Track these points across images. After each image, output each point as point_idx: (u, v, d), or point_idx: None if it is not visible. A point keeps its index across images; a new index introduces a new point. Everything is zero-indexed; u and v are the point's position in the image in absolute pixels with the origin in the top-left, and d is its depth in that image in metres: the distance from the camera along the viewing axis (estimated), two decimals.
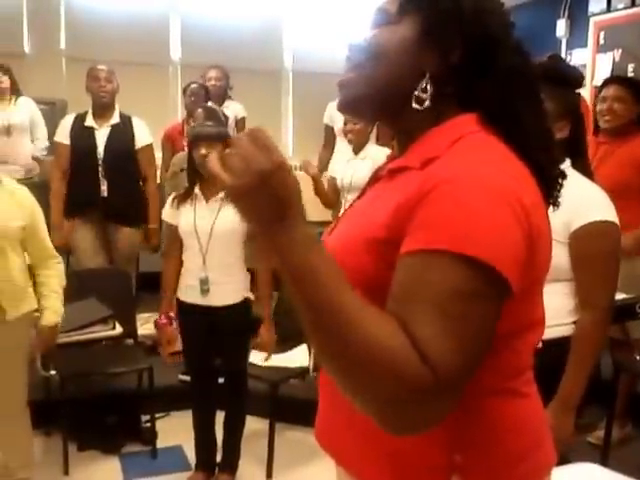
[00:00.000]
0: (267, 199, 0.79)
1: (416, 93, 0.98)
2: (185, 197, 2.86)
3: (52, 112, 4.74)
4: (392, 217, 0.90)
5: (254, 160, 0.77)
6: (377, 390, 0.78)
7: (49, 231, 2.77)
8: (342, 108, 1.07)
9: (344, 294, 0.79)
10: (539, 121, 1.01)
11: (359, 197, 1.12)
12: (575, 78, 2.03)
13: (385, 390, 0.77)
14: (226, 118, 4.02)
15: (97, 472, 3.12)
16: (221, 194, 2.76)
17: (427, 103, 0.97)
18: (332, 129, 4.64)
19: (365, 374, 0.78)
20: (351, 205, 1.12)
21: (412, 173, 0.93)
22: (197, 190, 2.83)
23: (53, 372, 3.20)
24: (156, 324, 3.03)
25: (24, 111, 4.43)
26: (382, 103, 1.01)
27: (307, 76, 6.14)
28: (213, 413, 3.02)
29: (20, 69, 4.71)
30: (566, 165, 1.85)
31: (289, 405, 3.29)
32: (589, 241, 1.86)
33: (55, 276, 2.70)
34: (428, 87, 0.97)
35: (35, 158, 4.41)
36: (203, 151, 2.74)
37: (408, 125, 1.01)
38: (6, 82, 4.37)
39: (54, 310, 2.67)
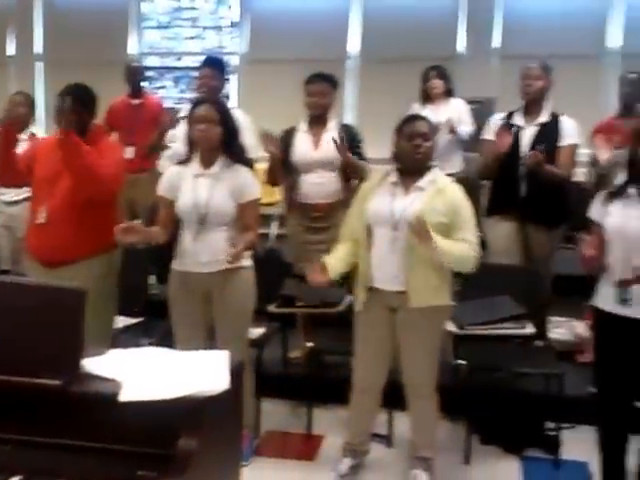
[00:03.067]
0: None
1: None
2: (615, 194, 2.60)
3: (480, 111, 4.86)
4: None
5: None
6: None
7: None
8: None
9: None
10: None
11: None
12: None
13: None
14: None
15: (497, 469, 3.12)
16: None
17: None
18: None
19: None
20: None
21: None
22: (632, 189, 2.54)
23: (462, 361, 3.29)
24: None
25: (453, 111, 4.62)
26: None
27: None
28: (623, 437, 2.71)
29: (453, 70, 4.93)
30: None
31: None
32: None
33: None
34: None
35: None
36: None
37: None
38: (440, 87, 4.63)
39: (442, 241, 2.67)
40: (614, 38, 5.57)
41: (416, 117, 2.92)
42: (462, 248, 2.72)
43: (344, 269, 2.88)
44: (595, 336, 2.79)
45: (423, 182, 2.78)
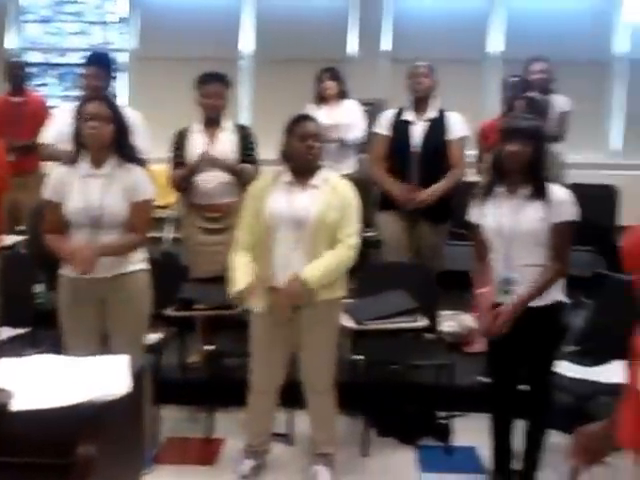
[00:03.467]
0: None
1: None
2: (486, 193, 2.78)
3: (371, 112, 4.98)
4: None
5: None
6: None
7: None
8: None
9: None
10: None
11: None
12: None
13: None
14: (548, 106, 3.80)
15: (394, 459, 3.21)
16: (526, 191, 2.65)
17: None
18: None
19: None
20: None
21: None
22: (501, 187, 2.73)
23: (360, 357, 3.37)
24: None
25: (348, 112, 4.72)
26: None
27: None
28: (510, 420, 2.88)
29: (345, 72, 5.03)
30: None
31: None
32: None
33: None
34: None
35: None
36: (512, 147, 2.62)
37: None
38: (334, 89, 4.71)
39: (313, 273, 2.72)
40: (496, 43, 5.87)
41: (306, 117, 2.95)
42: (333, 261, 2.77)
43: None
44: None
45: (317, 181, 2.83)
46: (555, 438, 2.92)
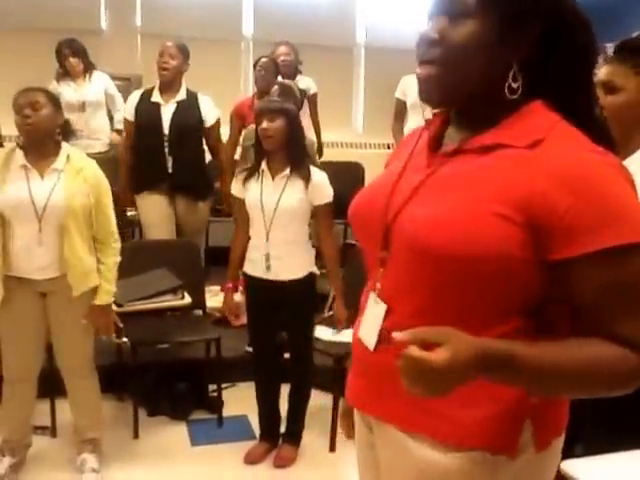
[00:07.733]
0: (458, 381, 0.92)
1: (509, 83, 1.04)
2: (252, 172, 2.88)
3: (128, 88, 4.84)
4: (520, 198, 0.97)
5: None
6: (615, 389, 0.99)
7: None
8: (431, 103, 1.10)
9: (562, 358, 0.96)
10: (594, 104, 1.09)
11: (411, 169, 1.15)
12: None
13: (621, 386, 0.98)
14: (302, 92, 3.98)
15: (165, 437, 3.21)
16: (286, 171, 2.78)
17: (519, 91, 1.04)
18: (404, 103, 4.56)
19: (605, 388, 1.00)
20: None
21: (517, 152, 1.00)
22: (264, 166, 2.83)
23: (125, 339, 3.30)
24: (222, 289, 3.08)
25: (98, 86, 4.54)
26: (471, 96, 1.06)
27: (380, 52, 6.04)
28: (277, 385, 3.05)
29: (96, 45, 4.81)
30: None
31: None
32: None
33: (112, 255, 2.74)
34: (517, 77, 1.04)
35: (116, 131, 4.54)
36: (264, 125, 2.75)
37: (487, 110, 1.06)
38: (79, 65, 4.49)
39: (107, 291, 2.73)
40: (248, 25, 6.00)
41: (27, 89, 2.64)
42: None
43: None
44: (247, 299, 3.06)
45: (59, 163, 2.62)
46: (317, 398, 3.15)
